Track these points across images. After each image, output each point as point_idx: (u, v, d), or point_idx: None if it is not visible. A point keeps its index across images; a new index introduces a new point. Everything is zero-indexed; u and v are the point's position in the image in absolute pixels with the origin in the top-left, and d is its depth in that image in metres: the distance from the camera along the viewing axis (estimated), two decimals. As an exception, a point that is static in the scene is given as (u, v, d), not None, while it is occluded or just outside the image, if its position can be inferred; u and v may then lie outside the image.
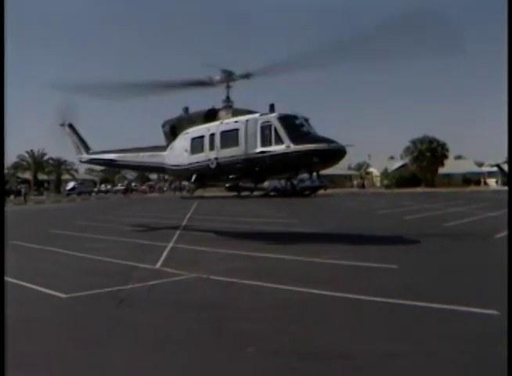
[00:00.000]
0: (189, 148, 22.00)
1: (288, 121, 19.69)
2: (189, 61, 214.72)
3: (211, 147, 20.90)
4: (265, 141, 19.49)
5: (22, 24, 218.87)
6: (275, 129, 19.34)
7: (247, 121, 20.29)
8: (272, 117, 19.78)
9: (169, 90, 22.67)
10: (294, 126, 19.63)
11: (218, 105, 22.54)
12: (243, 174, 20.76)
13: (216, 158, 20.58)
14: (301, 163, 19.04)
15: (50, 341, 8.23)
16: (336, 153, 19.00)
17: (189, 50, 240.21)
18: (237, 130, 20.25)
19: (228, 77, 21.74)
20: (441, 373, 6.50)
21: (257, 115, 20.49)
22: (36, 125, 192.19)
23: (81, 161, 31.92)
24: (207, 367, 6.87)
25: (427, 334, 7.96)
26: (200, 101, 24.31)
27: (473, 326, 8.29)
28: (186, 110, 23.83)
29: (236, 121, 20.68)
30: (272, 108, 20.55)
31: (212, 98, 23.26)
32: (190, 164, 21.85)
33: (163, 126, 24.50)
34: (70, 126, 30.66)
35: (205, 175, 21.71)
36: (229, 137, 20.43)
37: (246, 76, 21.46)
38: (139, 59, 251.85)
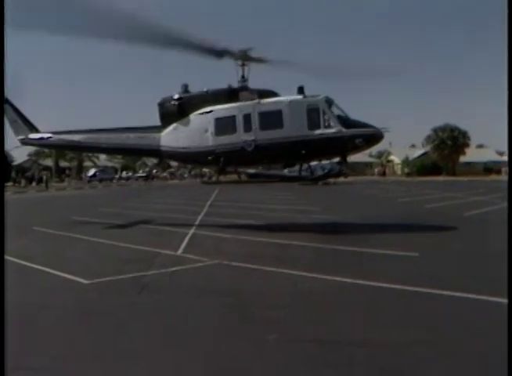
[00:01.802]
0: (212, 128, 20.42)
1: (333, 104, 20.14)
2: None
3: (247, 128, 19.96)
4: (313, 124, 19.63)
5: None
6: (324, 112, 19.69)
7: (291, 102, 20.09)
8: (320, 101, 20.02)
9: (176, 47, 20.08)
10: (338, 109, 20.16)
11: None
12: (286, 156, 20.58)
13: (254, 140, 19.77)
14: (351, 146, 19.78)
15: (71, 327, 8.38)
16: (379, 137, 20.48)
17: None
18: (280, 111, 19.85)
19: (245, 55, 20.83)
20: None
21: (300, 97, 20.40)
22: (57, 112, 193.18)
23: (24, 143, 25.95)
24: (228, 354, 6.95)
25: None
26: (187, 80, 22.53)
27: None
28: (186, 87, 21.91)
29: (276, 102, 20.30)
30: (301, 90, 20.51)
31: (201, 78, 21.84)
32: (216, 145, 20.29)
33: (162, 104, 21.95)
34: (7, 101, 24.52)
35: (237, 158, 20.59)
36: (271, 118, 19.90)
37: (264, 60, 20.73)
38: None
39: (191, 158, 22.16)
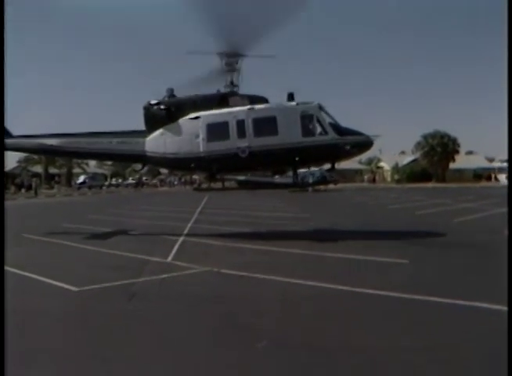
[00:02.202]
0: (204, 134, 19.99)
1: (325, 111, 20.30)
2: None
3: (241, 135, 19.73)
4: (307, 131, 19.78)
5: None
6: (317, 119, 19.89)
7: (285, 108, 20.17)
8: (313, 108, 20.19)
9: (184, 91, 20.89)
10: (330, 117, 20.31)
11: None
12: (280, 163, 20.61)
13: (249, 147, 19.58)
14: (344, 153, 20.23)
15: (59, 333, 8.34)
16: (370, 144, 21.16)
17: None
18: (274, 118, 19.78)
19: (228, 58, 20.94)
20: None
21: (293, 104, 20.45)
22: (47, 119, 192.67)
23: None
24: (215, 362, 6.94)
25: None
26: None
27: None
28: (172, 91, 21.34)
29: (270, 109, 20.28)
30: (291, 97, 20.57)
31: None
32: (209, 151, 19.90)
33: (147, 108, 21.16)
34: None
35: (230, 165, 20.44)
36: (265, 125, 19.78)
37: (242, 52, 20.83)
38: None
39: (180, 164, 21.48)
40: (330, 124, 20.04)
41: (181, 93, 21.43)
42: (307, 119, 19.90)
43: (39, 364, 6.96)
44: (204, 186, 61.81)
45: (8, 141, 21.73)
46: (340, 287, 10.83)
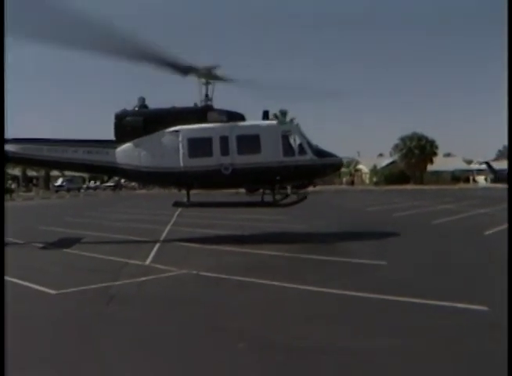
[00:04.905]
0: (185, 149, 19.57)
1: (302, 131, 20.78)
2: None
3: (224, 152, 19.56)
4: (287, 150, 20.00)
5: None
6: (297, 139, 20.23)
7: (267, 127, 20.34)
8: (294, 128, 21.39)
9: (140, 61, 19.38)
10: (306, 137, 20.65)
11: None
12: (261, 181, 20.54)
13: (232, 164, 19.51)
14: (319, 173, 21.43)
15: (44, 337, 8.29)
16: (341, 166, 24.23)
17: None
18: (258, 136, 19.83)
19: (209, 74, 20.41)
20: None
21: (274, 122, 21.41)
22: (25, 118, 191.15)
23: None
24: (197, 364, 6.93)
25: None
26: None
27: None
28: (143, 100, 20.81)
29: (253, 127, 20.28)
30: (265, 115, 20.82)
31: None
32: (189, 167, 19.50)
33: (119, 118, 20.40)
34: None
35: (212, 181, 20.26)
36: (248, 142, 19.81)
37: (228, 80, 20.63)
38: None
39: (157, 179, 21.20)
40: (308, 143, 20.37)
41: (152, 100, 21.12)
42: (287, 139, 20.18)
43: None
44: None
45: None
46: (318, 289, 10.87)
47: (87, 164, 21.11)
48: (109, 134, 20.59)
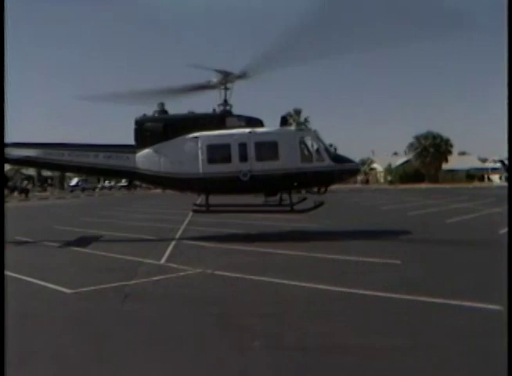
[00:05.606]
0: (204, 156, 19.77)
1: (320, 137, 21.03)
2: (183, 62, 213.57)
3: (243, 158, 19.78)
4: (305, 156, 20.22)
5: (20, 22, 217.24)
6: (314, 146, 20.43)
7: (285, 134, 20.48)
8: (311, 134, 21.35)
9: (173, 95, 21.15)
10: (324, 143, 21.10)
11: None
12: (279, 187, 20.80)
13: (250, 170, 19.76)
14: (337, 178, 21.35)
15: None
16: (358, 171, 25.75)
17: (182, 51, 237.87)
18: (276, 143, 19.98)
19: (225, 77, 20.83)
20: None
21: (292, 129, 21.63)
22: (40, 121, 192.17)
23: None
24: (210, 364, 6.96)
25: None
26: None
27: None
28: (163, 105, 21.12)
29: (271, 133, 20.40)
30: (284, 121, 21.08)
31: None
32: (208, 173, 19.75)
33: (141, 122, 20.78)
34: None
35: (230, 187, 20.33)
36: (267, 149, 20.07)
37: (244, 76, 20.80)
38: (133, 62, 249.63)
39: (177, 184, 21.33)
40: (325, 149, 20.70)
41: (171, 103, 21.49)
42: (305, 145, 20.36)
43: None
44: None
45: None
46: (331, 288, 10.88)
47: (107, 169, 21.56)
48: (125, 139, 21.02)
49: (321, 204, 21.16)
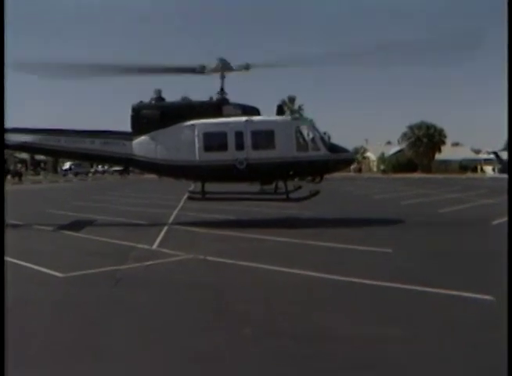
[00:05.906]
0: (201, 143, 19.92)
1: (316, 126, 21.11)
2: (188, 47, 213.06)
3: (239, 147, 19.95)
4: (301, 145, 20.37)
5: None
6: (310, 135, 20.55)
7: (281, 123, 20.65)
8: (307, 124, 21.17)
9: (156, 74, 21.46)
10: (320, 133, 21.27)
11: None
12: (274, 176, 20.94)
13: (247, 159, 19.87)
14: (332, 168, 21.56)
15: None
16: (354, 161, 22.78)
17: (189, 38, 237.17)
18: (272, 132, 20.15)
19: (224, 66, 21.01)
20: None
21: (288, 118, 21.80)
22: (33, 104, 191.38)
23: None
24: (200, 349, 7.00)
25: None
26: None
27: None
28: (159, 92, 21.18)
29: (267, 122, 20.57)
30: (280, 109, 21.15)
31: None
32: (205, 161, 19.89)
33: (136, 110, 20.90)
34: None
35: (226, 175, 20.42)
36: (263, 138, 20.29)
37: (246, 67, 21.06)
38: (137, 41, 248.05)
39: (173, 171, 21.39)
40: (321, 139, 20.83)
41: (167, 89, 21.55)
42: (301, 134, 20.51)
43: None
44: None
45: None
46: (320, 275, 10.95)
47: (104, 155, 21.78)
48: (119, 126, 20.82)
49: (317, 192, 21.20)
